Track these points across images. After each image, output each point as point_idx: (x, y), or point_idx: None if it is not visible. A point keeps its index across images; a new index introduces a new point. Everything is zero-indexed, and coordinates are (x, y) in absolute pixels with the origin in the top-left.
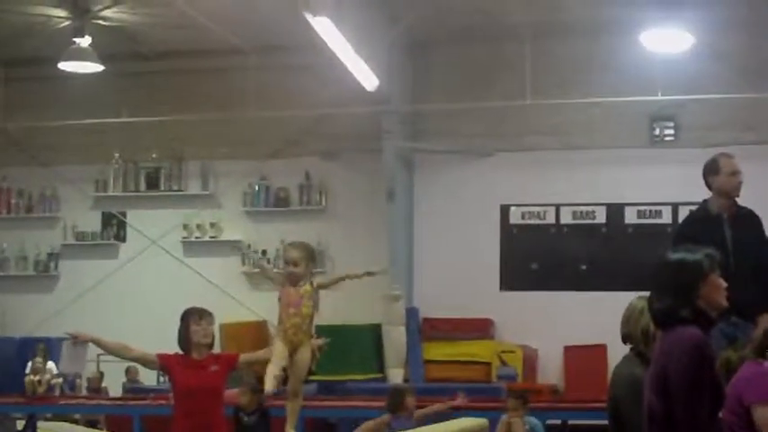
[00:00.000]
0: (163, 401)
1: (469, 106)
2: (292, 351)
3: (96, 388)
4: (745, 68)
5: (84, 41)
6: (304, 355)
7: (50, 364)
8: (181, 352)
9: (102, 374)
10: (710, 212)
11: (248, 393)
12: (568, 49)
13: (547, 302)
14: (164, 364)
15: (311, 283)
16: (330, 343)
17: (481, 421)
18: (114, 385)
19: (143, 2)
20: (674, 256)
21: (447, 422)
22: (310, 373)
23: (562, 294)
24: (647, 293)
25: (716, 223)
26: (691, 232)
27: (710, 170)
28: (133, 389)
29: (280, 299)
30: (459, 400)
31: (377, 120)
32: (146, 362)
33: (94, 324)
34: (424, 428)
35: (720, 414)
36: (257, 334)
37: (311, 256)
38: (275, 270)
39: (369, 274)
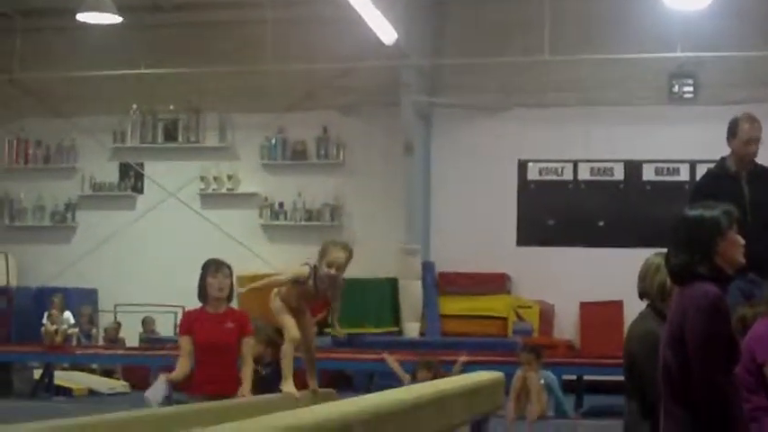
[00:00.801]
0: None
1: (488, 61)
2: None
3: (113, 338)
4: (765, 26)
5: None
6: (313, 322)
7: (67, 314)
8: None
9: (119, 325)
10: (728, 169)
11: (263, 344)
12: (588, 5)
13: (563, 258)
14: (191, 335)
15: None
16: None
17: (497, 374)
18: (131, 336)
19: None
20: (692, 212)
21: (462, 375)
22: (324, 325)
23: (579, 250)
24: (663, 250)
25: (733, 180)
26: (708, 189)
27: (730, 130)
28: (150, 339)
29: (296, 284)
30: (463, 357)
31: (395, 74)
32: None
33: (112, 275)
34: (438, 381)
35: (735, 370)
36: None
37: (351, 259)
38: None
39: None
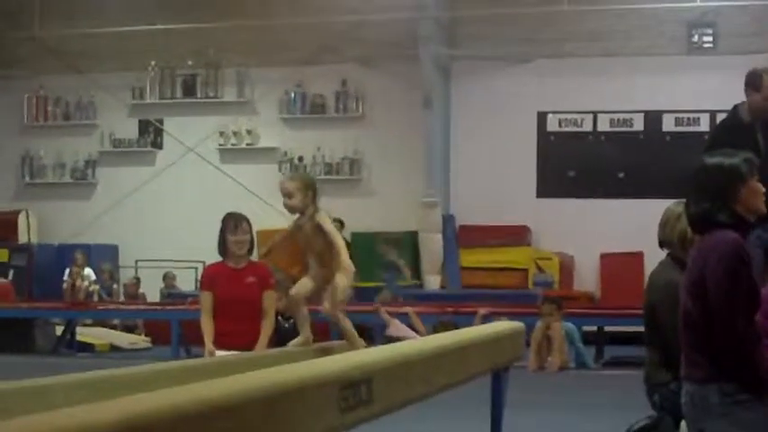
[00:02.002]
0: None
1: (507, 12)
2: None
3: (133, 294)
4: None
5: None
6: (337, 283)
7: (88, 271)
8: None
9: (138, 280)
10: (742, 120)
11: (285, 298)
12: None
13: (583, 210)
14: (213, 291)
15: (312, 218)
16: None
17: (517, 324)
18: (152, 291)
19: None
20: (712, 160)
21: (483, 325)
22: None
23: (599, 202)
24: (684, 200)
25: (748, 130)
26: (722, 140)
27: (753, 84)
28: (171, 294)
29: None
30: (483, 310)
31: (414, 26)
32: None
33: (132, 231)
34: (460, 331)
35: (757, 317)
36: (293, 240)
37: (309, 186)
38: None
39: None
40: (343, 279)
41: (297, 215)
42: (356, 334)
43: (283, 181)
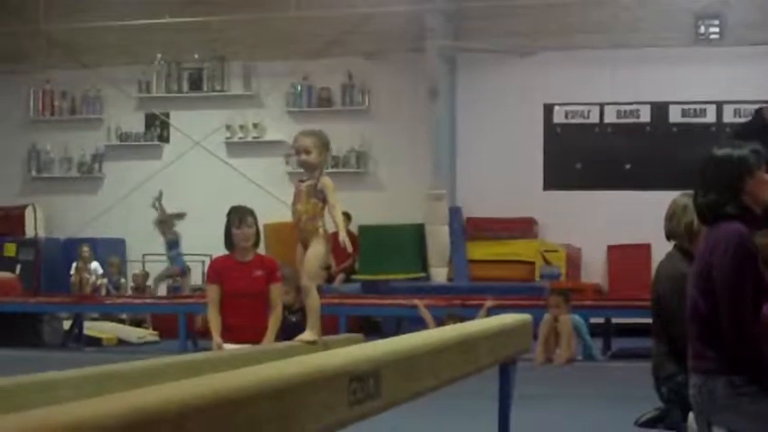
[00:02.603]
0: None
1: (513, 3)
2: (304, 246)
3: (141, 286)
4: None
5: None
6: (309, 251)
7: (95, 265)
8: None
9: (147, 274)
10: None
11: (292, 292)
12: None
13: (590, 202)
14: (220, 285)
15: (317, 180)
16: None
17: (524, 317)
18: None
19: None
20: (720, 151)
21: (490, 318)
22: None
23: (606, 194)
24: (691, 191)
25: None
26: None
27: None
28: (178, 288)
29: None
30: (489, 302)
31: (420, 19)
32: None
33: (139, 225)
34: (466, 323)
35: (764, 309)
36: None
37: (325, 144)
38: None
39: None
40: (319, 247)
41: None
42: (319, 317)
43: (300, 137)
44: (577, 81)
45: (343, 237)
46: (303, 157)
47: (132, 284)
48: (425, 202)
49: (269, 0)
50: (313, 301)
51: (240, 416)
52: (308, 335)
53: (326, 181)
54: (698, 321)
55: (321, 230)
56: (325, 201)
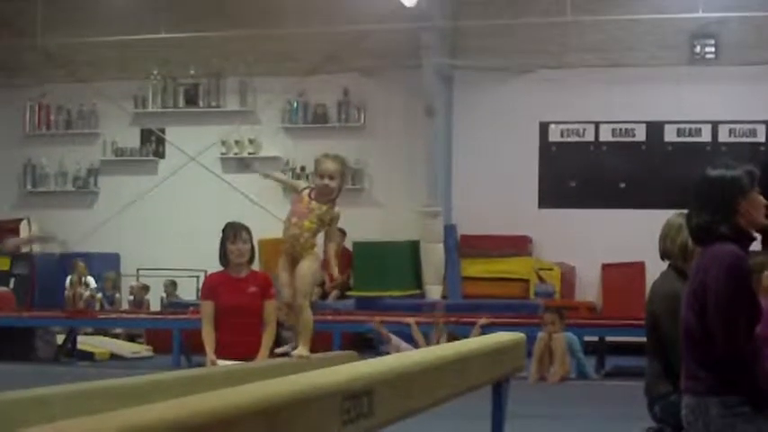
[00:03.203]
0: None
1: (509, 22)
2: (293, 263)
3: (140, 299)
4: None
5: None
6: (303, 269)
7: (89, 280)
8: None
9: (146, 287)
10: None
11: (286, 308)
12: None
13: (585, 220)
14: (214, 300)
15: (332, 207)
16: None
17: (518, 335)
18: (153, 300)
19: None
20: (714, 171)
21: (484, 336)
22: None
23: (600, 212)
24: (685, 211)
25: None
26: None
27: None
28: (173, 303)
29: (291, 203)
30: (483, 320)
31: (416, 36)
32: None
33: (134, 240)
34: (459, 342)
35: (757, 329)
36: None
37: (347, 171)
38: (296, 180)
39: (329, 277)
40: (314, 264)
41: (311, 189)
42: (311, 334)
43: (325, 160)
44: (573, 99)
45: (336, 274)
46: (326, 181)
47: (130, 297)
48: (420, 220)
49: (265, 16)
50: (307, 318)
51: None
52: (301, 350)
53: (338, 213)
54: (691, 342)
55: (315, 248)
56: (328, 225)
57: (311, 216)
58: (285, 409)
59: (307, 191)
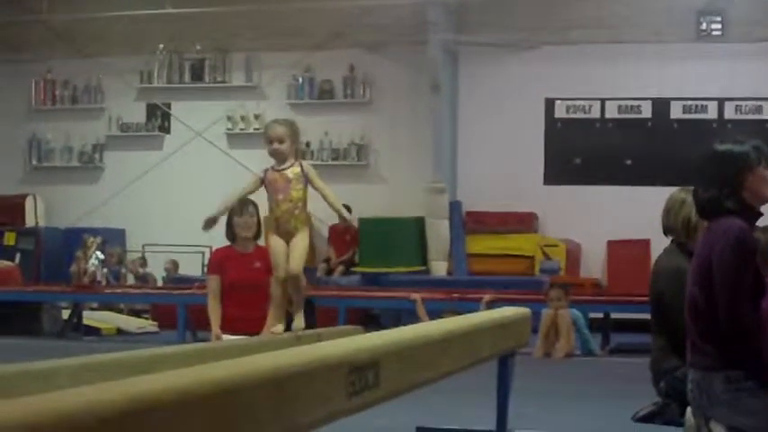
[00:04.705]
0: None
1: None
2: (288, 240)
3: (136, 273)
4: None
5: None
6: (297, 240)
7: (97, 254)
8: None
9: (144, 260)
10: None
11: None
12: None
13: (591, 197)
14: (221, 275)
15: (300, 165)
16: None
17: (523, 310)
18: (159, 275)
19: None
20: (721, 147)
21: (489, 311)
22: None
23: (606, 189)
24: (689, 187)
25: None
26: None
27: None
28: (177, 278)
29: (266, 188)
30: (488, 296)
31: (422, 11)
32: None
33: (139, 215)
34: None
35: (763, 304)
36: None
37: (296, 132)
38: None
39: (342, 220)
40: (307, 236)
41: (271, 167)
42: (302, 305)
43: (273, 125)
44: (579, 76)
45: (347, 215)
46: (276, 146)
47: (124, 271)
48: (426, 196)
49: None
50: (303, 290)
51: (237, 405)
52: (298, 322)
53: (308, 165)
54: (696, 317)
55: (310, 220)
56: (312, 181)
57: (292, 183)
58: (291, 379)
59: (268, 170)
